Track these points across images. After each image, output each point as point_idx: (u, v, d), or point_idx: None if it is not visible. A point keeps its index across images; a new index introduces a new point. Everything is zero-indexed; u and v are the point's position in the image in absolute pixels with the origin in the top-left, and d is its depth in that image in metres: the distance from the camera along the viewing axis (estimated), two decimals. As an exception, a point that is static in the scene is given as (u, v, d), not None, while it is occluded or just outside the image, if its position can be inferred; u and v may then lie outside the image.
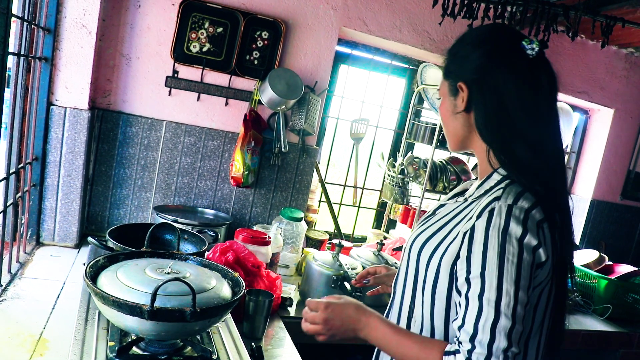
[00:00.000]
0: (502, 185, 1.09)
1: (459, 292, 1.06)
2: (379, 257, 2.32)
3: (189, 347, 1.29)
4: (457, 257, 1.07)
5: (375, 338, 1.15)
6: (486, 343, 0.99)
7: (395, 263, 2.34)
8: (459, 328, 1.03)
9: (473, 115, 1.14)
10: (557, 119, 1.15)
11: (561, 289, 1.14)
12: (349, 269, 2.12)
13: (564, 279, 1.14)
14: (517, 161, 1.08)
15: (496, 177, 1.13)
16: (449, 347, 1.05)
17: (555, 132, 1.13)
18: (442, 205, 1.26)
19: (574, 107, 3.47)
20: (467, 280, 1.03)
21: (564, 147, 1.18)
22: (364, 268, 2.00)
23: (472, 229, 1.05)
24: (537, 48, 1.11)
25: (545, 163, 1.09)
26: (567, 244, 1.09)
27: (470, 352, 1.00)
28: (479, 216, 1.05)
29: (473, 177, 2.95)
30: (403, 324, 1.22)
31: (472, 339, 1.01)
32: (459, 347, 1.03)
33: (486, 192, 1.11)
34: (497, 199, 1.05)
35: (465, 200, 1.17)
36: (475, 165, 2.89)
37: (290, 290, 2.15)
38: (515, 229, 1.01)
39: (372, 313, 1.17)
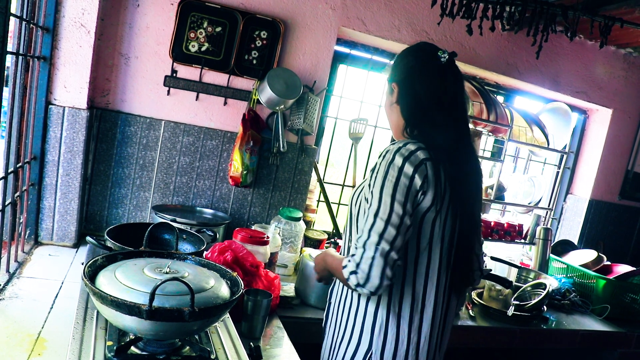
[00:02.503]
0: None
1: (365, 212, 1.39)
2: None
3: (188, 347, 1.29)
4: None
5: (327, 265, 1.55)
6: (364, 240, 1.33)
7: None
8: (356, 233, 1.39)
9: (399, 105, 1.53)
10: (462, 106, 1.52)
11: (463, 231, 1.48)
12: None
13: (465, 228, 1.48)
14: (420, 132, 1.47)
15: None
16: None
17: (458, 119, 1.50)
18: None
19: (573, 107, 3.47)
20: (366, 199, 1.39)
21: (469, 128, 1.59)
22: None
23: (374, 165, 1.41)
24: (447, 56, 1.49)
25: (443, 137, 1.45)
26: (460, 188, 1.44)
27: (355, 249, 1.34)
28: (379, 156, 1.42)
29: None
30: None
31: (358, 239, 1.35)
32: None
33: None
34: (391, 144, 1.43)
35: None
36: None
37: (290, 289, 2.15)
38: (398, 160, 1.36)
39: (329, 252, 1.58)
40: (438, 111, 1.47)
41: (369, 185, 1.40)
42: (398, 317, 1.44)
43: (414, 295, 1.44)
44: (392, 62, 1.65)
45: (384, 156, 1.40)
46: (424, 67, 1.50)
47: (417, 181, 1.36)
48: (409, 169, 1.35)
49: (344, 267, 1.37)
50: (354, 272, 1.34)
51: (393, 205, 1.33)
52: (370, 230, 1.34)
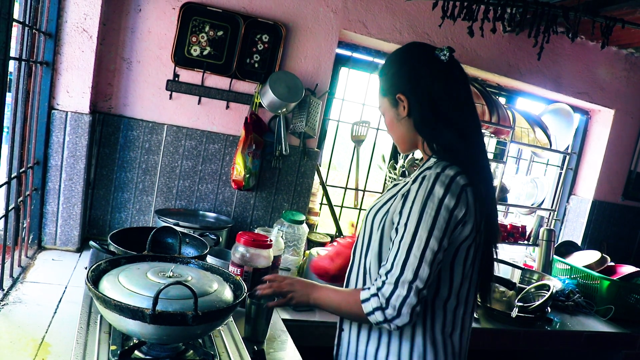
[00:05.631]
0: (433, 161, 1.36)
1: (392, 241, 1.32)
2: None
3: (191, 351, 1.29)
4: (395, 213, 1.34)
5: (321, 301, 1.44)
6: (395, 276, 1.26)
7: None
8: (383, 266, 1.30)
9: (412, 117, 1.40)
10: (472, 102, 1.42)
11: (487, 248, 1.41)
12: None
13: (490, 238, 1.40)
14: (445, 144, 1.36)
15: (430, 161, 1.38)
16: (365, 286, 1.35)
17: (473, 114, 1.41)
18: (394, 185, 1.50)
19: (575, 108, 3.47)
20: (396, 230, 1.31)
21: (482, 128, 1.53)
22: None
23: (408, 191, 1.31)
24: (447, 53, 1.37)
25: (469, 142, 1.36)
26: (489, 207, 1.36)
27: (383, 283, 1.28)
28: (414, 181, 1.32)
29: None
30: (360, 280, 1.45)
31: (387, 273, 1.28)
32: (372, 283, 1.31)
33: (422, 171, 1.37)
34: (428, 168, 1.33)
35: (409, 178, 1.42)
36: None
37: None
38: (439, 191, 1.26)
39: (320, 285, 1.48)
40: (459, 117, 1.36)
41: (400, 213, 1.31)
42: (434, 344, 1.38)
43: (446, 319, 1.39)
44: (378, 74, 1.50)
45: (421, 183, 1.29)
46: (432, 69, 1.37)
47: (458, 214, 1.28)
48: (450, 201, 1.26)
49: (365, 300, 1.31)
50: (380, 309, 1.28)
51: (429, 241, 1.26)
52: (403, 266, 1.26)
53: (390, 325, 1.28)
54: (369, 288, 1.32)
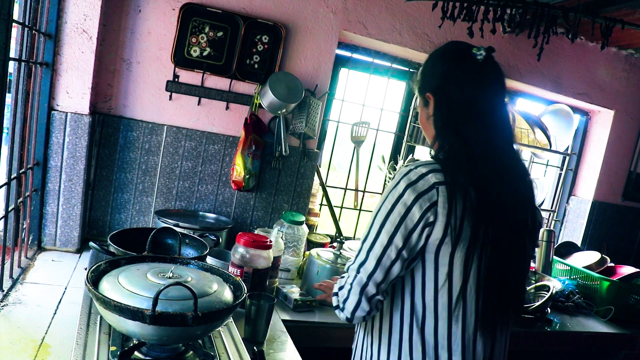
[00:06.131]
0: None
1: None
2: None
3: (191, 352, 1.29)
4: None
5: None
6: (348, 265, 1.29)
7: None
8: None
9: (433, 117, 1.34)
10: (500, 110, 1.31)
11: (498, 254, 1.25)
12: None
13: (501, 244, 1.24)
14: (449, 149, 1.26)
15: None
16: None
17: (498, 123, 1.30)
18: None
19: (575, 109, 3.47)
20: None
21: (512, 135, 1.36)
22: None
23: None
24: (484, 53, 1.29)
25: (471, 151, 1.24)
26: (484, 214, 1.21)
27: (343, 275, 1.32)
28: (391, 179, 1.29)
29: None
30: None
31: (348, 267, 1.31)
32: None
33: None
34: (404, 166, 1.27)
35: None
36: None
37: (294, 291, 2.16)
38: (400, 186, 1.22)
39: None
40: (470, 124, 1.26)
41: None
42: None
43: (426, 343, 1.26)
44: (419, 70, 1.44)
45: (393, 177, 1.27)
46: (458, 69, 1.30)
47: (416, 211, 1.19)
48: (409, 197, 1.20)
49: (335, 294, 1.35)
50: (335, 294, 1.34)
51: (379, 234, 1.23)
52: (356, 256, 1.28)
53: (341, 315, 1.32)
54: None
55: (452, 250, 1.22)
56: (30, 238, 2.20)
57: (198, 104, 2.50)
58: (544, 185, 3.30)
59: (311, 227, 2.86)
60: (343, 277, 1.34)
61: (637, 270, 2.90)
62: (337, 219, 3.03)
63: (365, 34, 2.73)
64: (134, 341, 1.27)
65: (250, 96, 2.56)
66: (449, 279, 1.24)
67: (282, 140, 2.56)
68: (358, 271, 1.26)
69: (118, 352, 1.21)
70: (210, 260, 1.98)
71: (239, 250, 1.91)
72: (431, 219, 1.20)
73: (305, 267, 2.30)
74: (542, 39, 2.48)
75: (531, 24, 2.49)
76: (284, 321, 1.94)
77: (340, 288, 1.32)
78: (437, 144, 1.32)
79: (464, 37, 2.81)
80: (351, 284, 1.27)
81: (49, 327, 1.59)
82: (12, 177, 1.87)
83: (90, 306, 1.45)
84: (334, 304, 1.33)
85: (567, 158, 3.56)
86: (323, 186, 2.93)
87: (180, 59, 2.42)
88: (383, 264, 1.23)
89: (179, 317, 1.11)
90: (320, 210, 3.02)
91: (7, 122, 1.87)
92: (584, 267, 2.94)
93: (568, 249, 3.32)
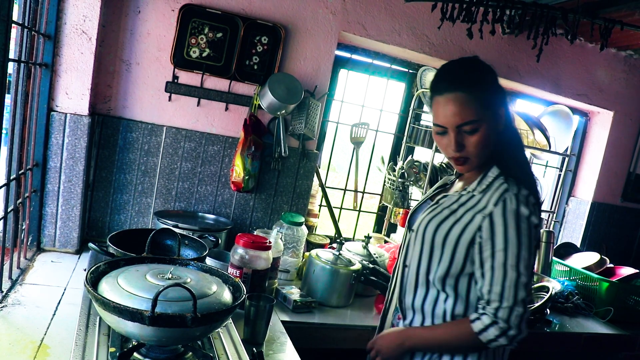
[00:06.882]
0: (502, 179, 1.40)
1: (482, 265, 1.36)
2: (366, 249, 2.47)
3: (190, 353, 1.29)
4: (474, 237, 1.37)
5: (417, 342, 1.45)
6: (512, 296, 1.30)
7: (382, 255, 2.51)
8: (488, 291, 1.33)
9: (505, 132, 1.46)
10: None
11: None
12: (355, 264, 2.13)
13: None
14: (520, 163, 1.44)
15: (492, 174, 1.43)
16: (472, 316, 1.36)
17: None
18: (445, 196, 1.51)
19: (574, 110, 3.47)
20: (492, 254, 1.33)
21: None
22: (361, 263, 2.29)
23: (491, 215, 1.35)
24: None
25: (527, 160, 1.49)
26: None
27: (497, 309, 1.31)
28: (495, 204, 1.35)
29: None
30: (420, 294, 1.48)
31: (501, 296, 1.31)
32: (485, 309, 1.33)
33: (488, 186, 1.41)
34: (506, 190, 1.36)
35: (469, 192, 1.45)
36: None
37: (293, 292, 2.16)
38: (524, 211, 1.33)
39: (407, 328, 1.50)
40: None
41: (492, 235, 1.33)
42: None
43: None
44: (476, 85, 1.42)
45: (504, 205, 1.34)
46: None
47: (539, 229, 1.38)
48: (534, 219, 1.34)
49: (483, 330, 1.33)
50: (503, 334, 1.31)
51: (530, 259, 1.34)
52: (516, 285, 1.31)
53: (513, 343, 1.33)
54: (479, 318, 1.34)
55: None
56: (30, 239, 2.20)
57: (197, 105, 2.50)
58: (543, 186, 3.30)
59: (310, 228, 2.86)
60: (484, 311, 1.34)
61: (637, 271, 2.90)
62: (337, 220, 3.03)
63: (364, 35, 2.73)
64: (133, 342, 1.26)
65: (250, 97, 2.56)
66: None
67: (282, 141, 2.56)
68: (527, 295, 1.33)
69: (117, 353, 1.21)
70: (209, 261, 1.98)
71: (239, 251, 1.91)
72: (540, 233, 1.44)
73: (305, 268, 2.30)
74: (541, 40, 2.48)
75: (530, 25, 2.49)
76: (283, 322, 1.94)
77: (506, 321, 1.31)
78: (504, 157, 1.44)
79: (464, 38, 2.82)
80: (523, 313, 1.32)
81: (48, 328, 1.59)
82: (12, 178, 1.87)
83: (89, 307, 1.45)
84: (502, 342, 1.32)
85: (567, 159, 3.56)
86: (322, 187, 2.93)
87: (180, 60, 2.42)
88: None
89: (178, 318, 1.11)
90: (319, 211, 3.02)
91: (6, 123, 1.87)
92: (583, 268, 2.94)
93: (567, 250, 3.32)
